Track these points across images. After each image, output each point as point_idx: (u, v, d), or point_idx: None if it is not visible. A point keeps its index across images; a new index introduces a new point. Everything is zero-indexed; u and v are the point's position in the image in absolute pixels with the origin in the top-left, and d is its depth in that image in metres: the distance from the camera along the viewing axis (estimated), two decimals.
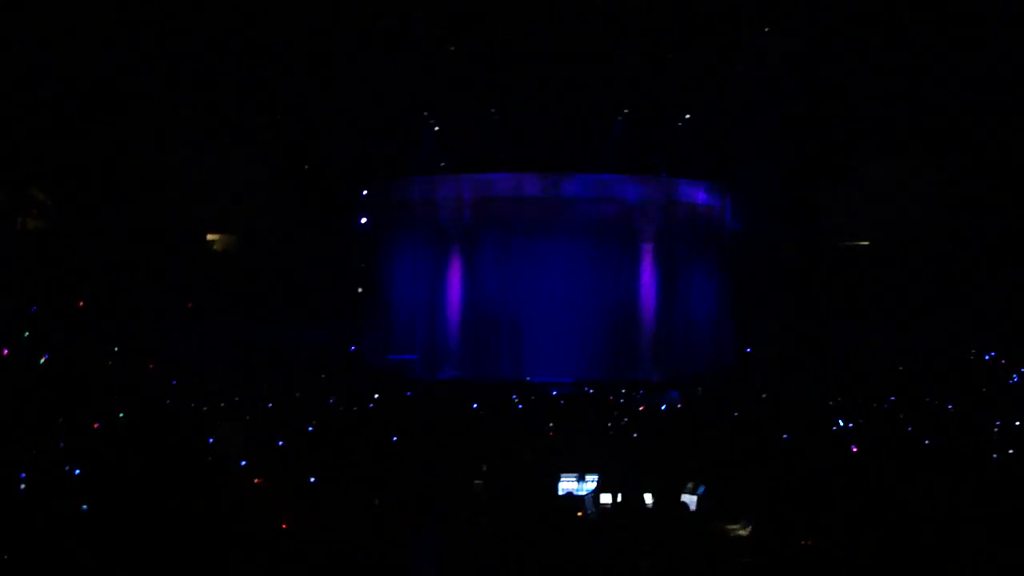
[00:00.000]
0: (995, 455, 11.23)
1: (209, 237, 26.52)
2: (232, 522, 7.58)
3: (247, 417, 14.77)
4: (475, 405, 16.44)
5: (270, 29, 22.66)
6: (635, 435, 13.44)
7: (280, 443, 11.69)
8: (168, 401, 16.23)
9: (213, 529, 7.35)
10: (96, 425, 12.74)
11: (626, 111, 25.15)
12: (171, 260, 24.97)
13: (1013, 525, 7.38)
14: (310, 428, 13.07)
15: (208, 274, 25.38)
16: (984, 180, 25.02)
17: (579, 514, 8.36)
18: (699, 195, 26.03)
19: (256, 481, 8.83)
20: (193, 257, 25.74)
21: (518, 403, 17.64)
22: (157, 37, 22.58)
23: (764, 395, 18.91)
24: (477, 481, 9.71)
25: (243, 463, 10.11)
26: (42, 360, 20.03)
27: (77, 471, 9.48)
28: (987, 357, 22.97)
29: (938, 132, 24.65)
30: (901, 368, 22.21)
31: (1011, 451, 11.46)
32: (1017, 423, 14.42)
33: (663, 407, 17.74)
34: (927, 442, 12.53)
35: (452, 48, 23.61)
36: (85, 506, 7.79)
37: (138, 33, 22.41)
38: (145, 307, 23.53)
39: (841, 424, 14.44)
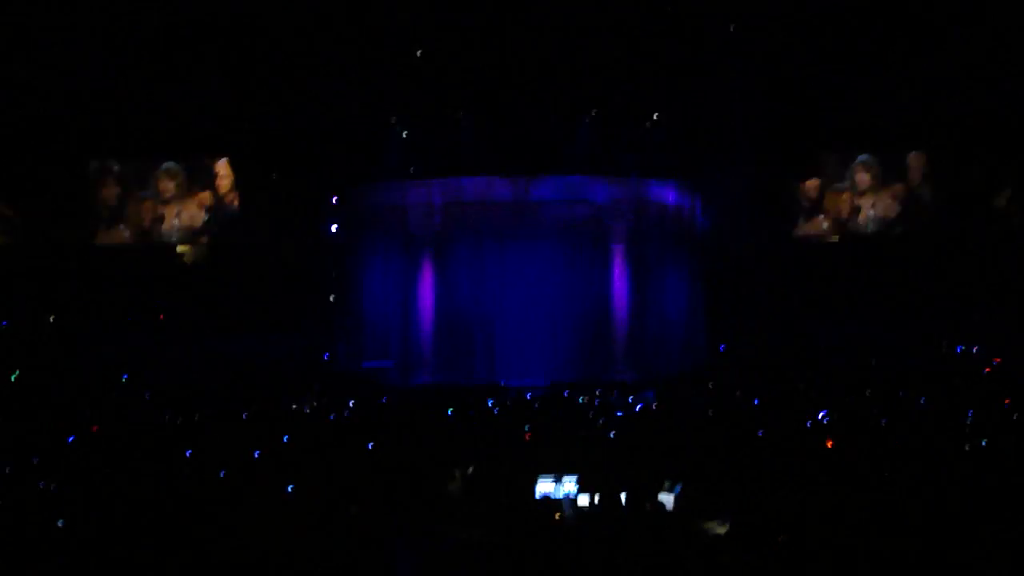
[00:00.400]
0: (967, 446, 11.30)
1: (179, 248, 26.41)
2: (211, 533, 7.55)
3: (222, 428, 14.71)
4: (450, 410, 16.42)
5: (239, 38, 22.62)
6: (611, 436, 13.46)
7: (256, 453, 11.64)
8: (141, 414, 16.16)
9: (191, 540, 7.33)
10: (69, 440, 12.68)
11: (594, 112, 25.18)
12: (141, 272, 24.90)
13: (991, 515, 7.43)
14: (285, 438, 13.01)
15: (178, 285, 25.31)
16: (954, 175, 25.21)
17: (556, 516, 8.36)
18: (669, 195, 26.05)
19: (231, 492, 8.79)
20: (163, 269, 25.66)
21: (493, 407, 17.62)
22: (127, 48, 22.52)
23: (738, 392, 18.95)
24: (454, 486, 9.70)
25: (221, 473, 10.08)
26: (12, 376, 19.96)
27: (52, 487, 9.45)
28: (959, 349, 23.15)
29: (908, 128, 24.82)
30: (874, 362, 22.35)
31: (983, 442, 11.53)
32: (988, 414, 14.52)
33: (638, 407, 17.75)
34: (901, 435, 12.59)
35: (419, 52, 23.62)
36: (60, 521, 7.75)
37: (108, 44, 22.35)
38: (116, 320, 23.47)
39: (817, 419, 14.49)
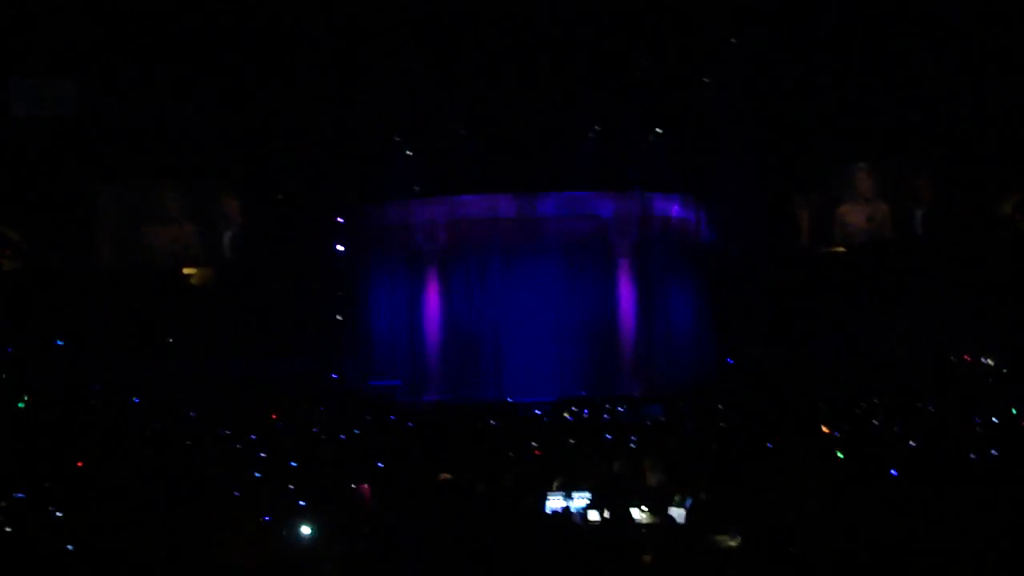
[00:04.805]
0: (974, 455, 11.27)
1: (186, 271, 26.41)
2: (219, 555, 7.55)
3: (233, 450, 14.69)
4: (459, 427, 16.42)
5: (243, 58, 22.68)
6: (620, 450, 13.43)
7: (257, 475, 11.60)
8: (152, 438, 16.13)
9: (201, 563, 7.33)
10: (80, 465, 12.65)
11: (597, 127, 25.20)
12: (148, 297, 24.89)
13: (998, 524, 7.41)
14: (293, 464, 12.95)
15: (186, 308, 25.30)
16: (960, 182, 25.16)
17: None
18: (674, 208, 26.09)
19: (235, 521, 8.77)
20: (170, 292, 25.65)
21: (501, 423, 17.60)
22: (128, 72, 22.58)
23: (748, 405, 18.91)
24: (464, 502, 9.68)
25: (236, 494, 10.08)
26: (21, 403, 19.93)
27: (59, 513, 9.43)
28: (966, 358, 23.09)
29: (912, 135, 24.79)
30: (883, 372, 22.28)
31: (993, 452, 11.50)
32: (996, 422, 14.49)
33: (647, 422, 17.73)
34: (912, 444, 12.56)
35: (422, 71, 23.66)
36: (70, 546, 7.74)
37: (110, 69, 22.41)
38: (124, 345, 23.45)
39: (827, 431, 14.46)
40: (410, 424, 17.97)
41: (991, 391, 20.01)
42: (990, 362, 22.93)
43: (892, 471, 10.03)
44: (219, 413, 18.87)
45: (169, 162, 25.17)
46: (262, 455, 13.46)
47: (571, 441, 14.71)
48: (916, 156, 25.79)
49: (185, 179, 25.76)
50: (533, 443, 14.04)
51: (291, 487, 10.56)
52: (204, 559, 7.48)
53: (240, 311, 24.68)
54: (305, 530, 8.06)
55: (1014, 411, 15.82)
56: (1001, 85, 22.90)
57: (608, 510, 8.80)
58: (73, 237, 25.15)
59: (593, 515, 9.11)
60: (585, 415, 19.30)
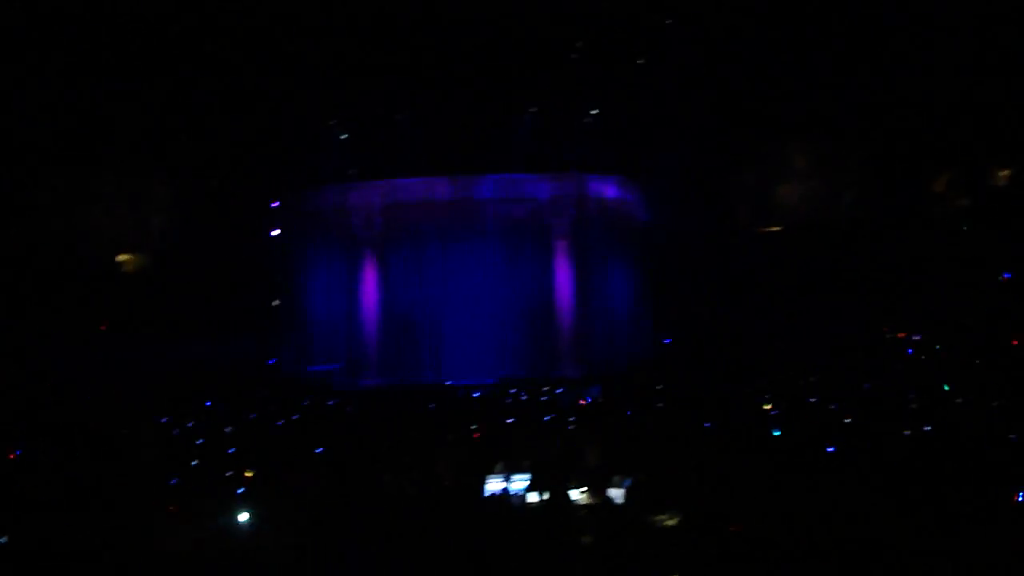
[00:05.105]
0: (908, 431, 11.43)
1: (120, 257, 26.09)
2: (149, 541, 7.51)
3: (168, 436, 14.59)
4: (398, 411, 16.41)
5: (177, 43, 22.41)
6: (559, 432, 13.48)
7: (194, 463, 11.52)
8: (86, 424, 15.97)
9: (130, 550, 7.28)
10: (12, 456, 12.52)
11: (533, 110, 25.20)
12: (82, 281, 24.58)
13: (931, 496, 7.54)
14: (231, 451, 12.88)
15: (121, 294, 25.00)
16: (893, 160, 25.40)
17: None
18: (609, 190, 26.18)
19: (171, 509, 8.70)
20: (104, 278, 25.34)
21: (440, 406, 17.60)
22: (61, 54, 22.25)
23: (685, 385, 19.05)
24: (404, 486, 9.67)
25: (173, 482, 10.01)
26: None
27: None
28: (900, 335, 23.39)
29: (846, 114, 24.99)
30: (818, 350, 22.51)
31: (926, 428, 11.67)
32: (929, 400, 14.72)
33: (586, 402, 17.80)
34: (847, 421, 12.72)
35: (358, 56, 23.52)
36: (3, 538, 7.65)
37: (43, 50, 22.06)
38: (57, 329, 23.16)
39: (764, 408, 14.61)
40: (349, 409, 17.95)
41: (924, 367, 20.31)
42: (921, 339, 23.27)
43: (828, 448, 10.16)
44: (156, 400, 18.74)
45: (103, 146, 24.82)
46: (199, 442, 13.40)
47: (510, 423, 14.76)
48: (850, 135, 26.01)
49: (119, 164, 25.42)
50: (472, 426, 14.06)
51: (228, 473, 10.51)
52: (140, 547, 7.42)
53: (176, 297, 24.45)
54: (243, 517, 8.02)
55: (946, 387, 16.08)
56: (934, 65, 23.14)
57: (547, 492, 8.83)
58: (3, 223, 24.77)
59: (532, 497, 9.13)
60: (523, 397, 19.31)
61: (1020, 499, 7.61)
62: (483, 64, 23.43)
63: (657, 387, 19.45)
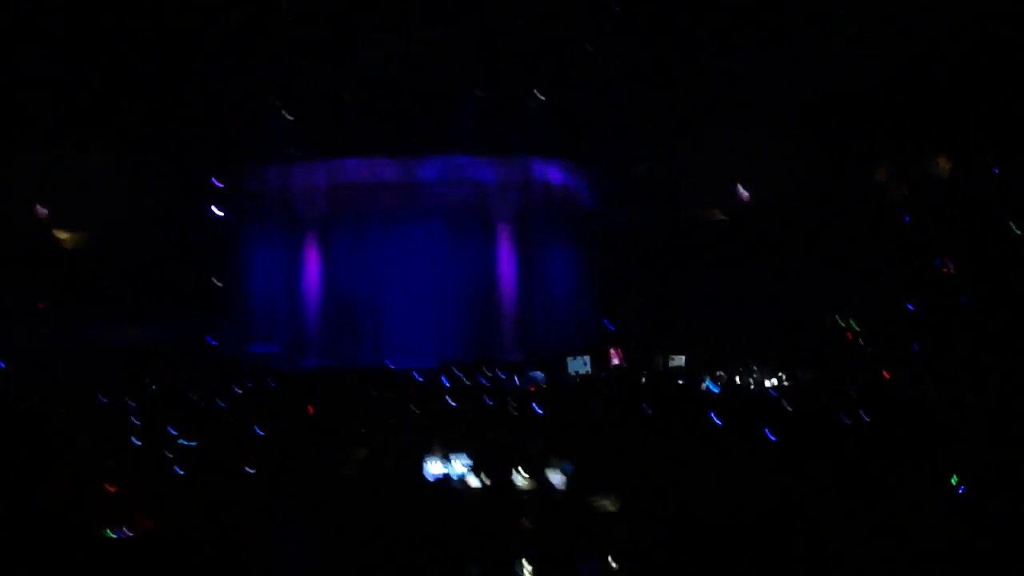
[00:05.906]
0: (847, 419, 11.50)
1: (56, 234, 25.72)
2: (85, 525, 7.41)
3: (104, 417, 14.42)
4: (337, 392, 16.34)
5: (118, 16, 22.13)
6: (500, 415, 13.47)
7: (136, 443, 11.41)
8: (20, 405, 15.75)
9: (66, 533, 7.18)
10: None
11: (479, 92, 25.11)
12: (18, 259, 24.22)
13: (869, 484, 7.58)
14: (171, 429, 12.75)
15: (57, 272, 24.67)
16: (835, 150, 25.57)
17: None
18: (555, 174, 26.12)
19: (111, 489, 8.59)
20: (40, 255, 24.97)
21: (381, 389, 17.53)
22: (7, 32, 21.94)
23: (628, 370, 19.12)
24: (344, 468, 9.61)
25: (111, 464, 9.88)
26: None
27: None
28: (840, 323, 23.58)
29: (791, 103, 25.11)
30: (759, 337, 22.65)
31: (863, 415, 11.75)
32: (871, 388, 14.84)
33: (528, 386, 17.81)
34: (790, 409, 12.79)
35: (303, 34, 23.34)
36: None
37: None
38: None
39: (707, 390, 14.69)
40: (288, 391, 17.84)
41: (863, 355, 20.49)
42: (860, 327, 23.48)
43: (768, 434, 10.20)
44: (94, 381, 18.52)
45: (40, 118, 24.44)
46: (137, 423, 13.24)
47: (451, 406, 14.74)
48: (792, 124, 26.15)
49: (56, 141, 25.02)
50: (413, 409, 14.02)
51: (168, 455, 10.39)
52: (78, 532, 7.33)
53: (115, 276, 24.16)
54: (182, 499, 7.94)
55: (885, 375, 16.23)
56: (879, 52, 23.29)
57: (488, 475, 8.80)
58: None
59: (473, 481, 9.10)
60: (465, 381, 19.29)
61: (955, 485, 7.67)
62: (429, 45, 23.33)
63: (600, 373, 19.50)
